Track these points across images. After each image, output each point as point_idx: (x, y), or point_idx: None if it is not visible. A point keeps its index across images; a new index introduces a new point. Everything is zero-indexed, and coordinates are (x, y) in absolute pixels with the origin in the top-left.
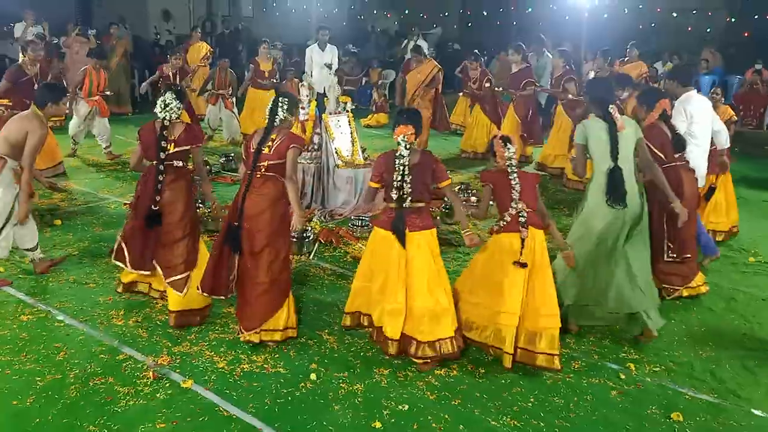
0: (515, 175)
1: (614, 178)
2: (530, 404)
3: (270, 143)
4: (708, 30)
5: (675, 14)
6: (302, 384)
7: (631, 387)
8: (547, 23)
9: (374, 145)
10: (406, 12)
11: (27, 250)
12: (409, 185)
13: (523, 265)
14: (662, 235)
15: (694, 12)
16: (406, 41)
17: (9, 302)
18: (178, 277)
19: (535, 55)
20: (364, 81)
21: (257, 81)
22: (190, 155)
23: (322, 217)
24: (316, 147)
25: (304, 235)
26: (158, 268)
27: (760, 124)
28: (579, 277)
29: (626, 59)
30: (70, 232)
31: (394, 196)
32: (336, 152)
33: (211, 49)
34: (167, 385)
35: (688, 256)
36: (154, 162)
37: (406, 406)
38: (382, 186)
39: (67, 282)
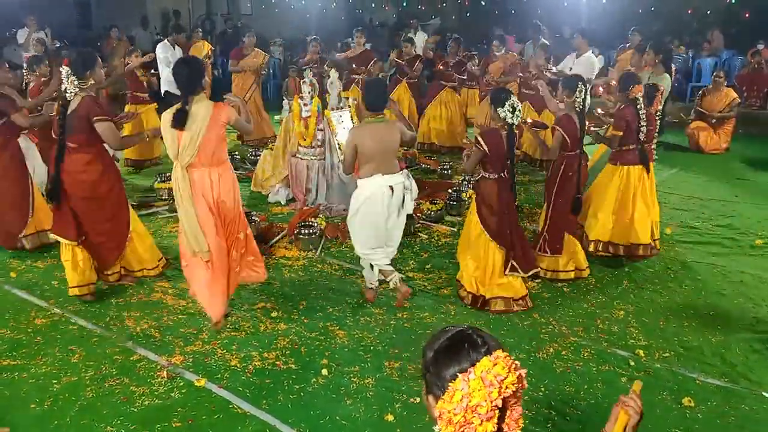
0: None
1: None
2: (541, 393)
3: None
4: (708, 12)
5: None
6: (314, 379)
7: (641, 373)
8: (546, 10)
9: None
10: (404, 4)
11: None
12: (645, 127)
13: None
14: None
15: None
16: (404, 33)
17: (23, 307)
18: None
19: (532, 43)
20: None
21: (136, 95)
22: None
23: (328, 213)
24: (319, 143)
25: (311, 231)
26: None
27: (765, 103)
28: None
29: (627, 45)
30: None
31: (641, 137)
32: (339, 147)
33: (212, 48)
34: (181, 384)
35: None
36: (501, 173)
37: (418, 399)
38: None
39: None
